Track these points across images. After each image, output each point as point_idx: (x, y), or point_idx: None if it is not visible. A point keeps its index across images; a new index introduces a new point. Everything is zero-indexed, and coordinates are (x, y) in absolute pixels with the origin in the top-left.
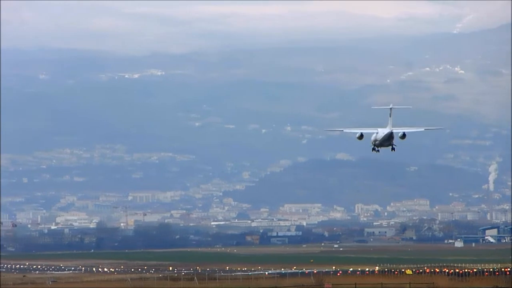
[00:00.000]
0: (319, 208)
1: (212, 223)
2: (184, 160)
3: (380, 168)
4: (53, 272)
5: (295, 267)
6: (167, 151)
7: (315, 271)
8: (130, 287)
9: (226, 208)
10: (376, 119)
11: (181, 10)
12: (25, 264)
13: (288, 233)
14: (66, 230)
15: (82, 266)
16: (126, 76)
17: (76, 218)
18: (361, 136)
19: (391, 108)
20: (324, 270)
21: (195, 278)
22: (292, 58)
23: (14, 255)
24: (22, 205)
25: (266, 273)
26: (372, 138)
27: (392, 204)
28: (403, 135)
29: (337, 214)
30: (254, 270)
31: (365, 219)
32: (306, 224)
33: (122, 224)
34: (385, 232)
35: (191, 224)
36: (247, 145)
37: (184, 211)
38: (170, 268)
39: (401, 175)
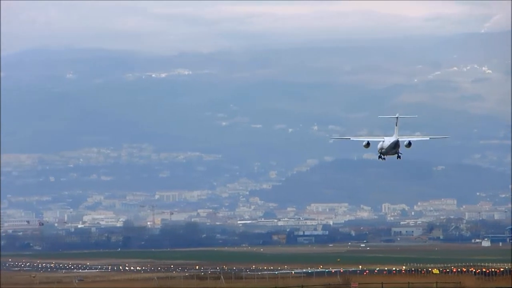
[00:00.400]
0: (346, 208)
1: (239, 222)
2: (211, 160)
3: (407, 167)
4: (80, 271)
5: (321, 267)
6: (194, 151)
7: (341, 271)
8: (157, 286)
9: (252, 207)
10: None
11: (208, 10)
12: (52, 263)
13: (315, 233)
14: (93, 229)
15: (108, 265)
16: (154, 75)
17: (103, 217)
18: (368, 145)
19: (397, 117)
20: (350, 270)
21: (222, 277)
22: (319, 57)
23: (41, 254)
24: (49, 204)
25: (293, 272)
26: (379, 146)
27: (419, 203)
28: (409, 144)
29: (364, 213)
30: (281, 270)
31: (392, 218)
32: (333, 223)
33: (149, 223)
34: (412, 231)
35: (218, 223)
36: (274, 144)
37: (211, 210)
38: (197, 267)
39: (428, 175)
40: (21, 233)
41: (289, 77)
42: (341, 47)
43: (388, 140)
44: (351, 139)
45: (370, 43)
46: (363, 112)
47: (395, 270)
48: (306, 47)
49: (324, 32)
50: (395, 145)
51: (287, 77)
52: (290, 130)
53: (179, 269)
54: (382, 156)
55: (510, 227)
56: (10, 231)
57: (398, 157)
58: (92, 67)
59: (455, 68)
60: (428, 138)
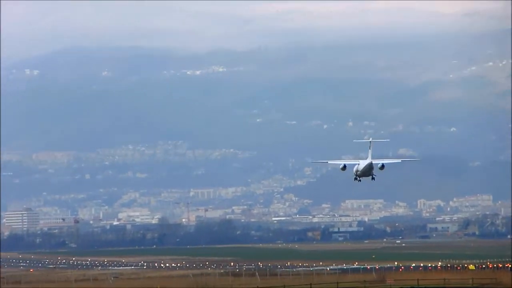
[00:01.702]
0: (381, 204)
1: (273, 219)
2: (246, 156)
3: (442, 163)
4: (115, 268)
5: (356, 263)
6: (228, 148)
7: (377, 267)
8: (192, 283)
9: (287, 204)
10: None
11: (243, 8)
12: (87, 261)
13: (350, 229)
14: (129, 226)
15: (144, 262)
16: (189, 73)
17: (139, 214)
18: (344, 167)
19: (370, 141)
20: (386, 266)
21: (257, 274)
22: (354, 54)
23: (76, 251)
24: (84, 202)
25: (328, 269)
26: (354, 169)
27: (454, 199)
28: (382, 166)
29: (399, 209)
30: (316, 266)
31: (427, 214)
32: (368, 219)
33: (184, 220)
34: (448, 227)
35: (253, 220)
36: (309, 141)
37: (246, 207)
38: (232, 264)
39: (464, 171)
40: (56, 230)
41: (324, 73)
42: (376, 43)
43: (363, 163)
44: (328, 162)
45: (405, 39)
46: (398, 108)
47: (431, 266)
48: (341, 43)
49: (358, 29)
50: (369, 167)
51: (321, 74)
52: (325, 126)
53: (214, 266)
54: (358, 178)
55: None
56: (46, 228)
57: (373, 178)
58: (127, 65)
59: (490, 63)
60: (400, 161)
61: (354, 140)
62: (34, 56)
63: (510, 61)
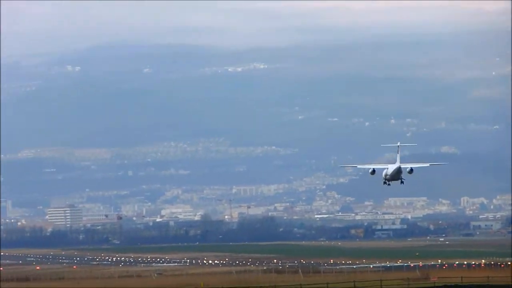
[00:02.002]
0: (424, 202)
1: (316, 216)
2: (288, 154)
3: (485, 161)
4: (159, 265)
5: (400, 261)
6: (270, 145)
7: (420, 265)
8: (235, 279)
9: (329, 201)
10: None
11: (284, 4)
12: (130, 257)
13: (393, 227)
14: (171, 223)
15: (187, 259)
16: (230, 69)
17: (181, 211)
18: (373, 172)
19: (398, 146)
20: (429, 264)
21: (300, 271)
22: (395, 51)
23: (119, 248)
24: (127, 198)
25: (371, 266)
26: (383, 173)
27: (498, 197)
28: (411, 170)
29: (443, 207)
30: (359, 264)
31: (471, 212)
32: (411, 217)
33: (226, 217)
34: (492, 225)
35: (295, 217)
36: (351, 138)
37: (288, 204)
38: (275, 261)
39: (507, 168)
40: (99, 227)
41: (365, 70)
42: (417, 41)
43: (391, 168)
44: (357, 167)
45: (446, 37)
46: (440, 105)
47: (474, 264)
48: (384, 40)
49: (399, 26)
50: (398, 172)
51: (363, 71)
52: (367, 123)
53: (257, 263)
54: (387, 182)
55: None
56: (89, 225)
57: (401, 182)
58: (169, 62)
59: None
60: (428, 165)
61: (382, 145)
62: (75, 52)
63: None
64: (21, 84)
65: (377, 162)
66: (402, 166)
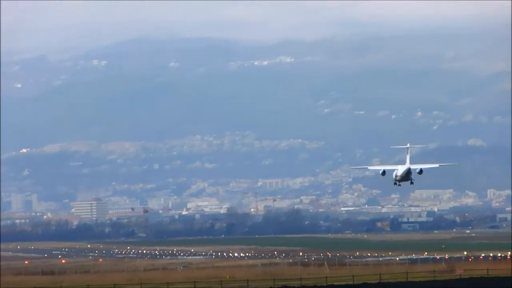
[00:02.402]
0: (450, 194)
1: (342, 209)
2: (314, 147)
3: None
4: (184, 257)
5: (426, 253)
6: (296, 138)
7: (446, 257)
8: (261, 272)
9: (355, 194)
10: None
11: None
12: (156, 250)
13: (419, 219)
14: (197, 216)
15: (212, 252)
16: (256, 63)
17: (207, 204)
18: (384, 173)
19: (408, 148)
20: (455, 256)
21: (326, 263)
22: (423, 44)
23: (145, 241)
24: (153, 192)
25: (397, 259)
26: (394, 174)
27: None
28: (420, 171)
29: (469, 199)
30: (385, 256)
31: (497, 204)
32: (438, 210)
33: (252, 210)
34: None
35: (321, 210)
36: (377, 131)
37: (314, 197)
38: (301, 254)
39: None
40: (126, 220)
41: (392, 63)
42: (445, 34)
43: (401, 169)
44: (368, 168)
45: (473, 30)
46: (468, 98)
47: (500, 256)
48: (410, 33)
49: (427, 19)
50: (408, 172)
51: (389, 64)
52: (393, 116)
53: (282, 256)
54: (398, 183)
55: None
56: (115, 218)
57: (411, 183)
58: (195, 56)
59: None
60: (438, 165)
61: (392, 146)
62: (101, 47)
63: None
64: (47, 78)
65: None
66: (412, 167)
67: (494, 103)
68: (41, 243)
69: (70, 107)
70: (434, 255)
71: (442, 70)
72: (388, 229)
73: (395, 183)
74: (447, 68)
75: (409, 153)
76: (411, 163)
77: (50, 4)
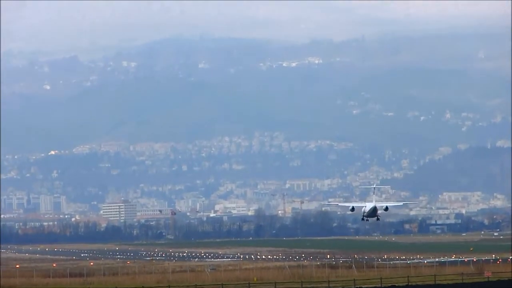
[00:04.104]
0: (479, 196)
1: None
2: (342, 148)
3: None
4: (212, 260)
5: (454, 256)
6: (325, 139)
7: (474, 260)
8: (289, 274)
9: (384, 196)
10: None
11: None
12: (184, 252)
13: (448, 221)
14: (225, 218)
15: (240, 254)
16: (284, 64)
17: (235, 206)
18: (353, 209)
19: (374, 188)
20: (484, 259)
21: (354, 266)
22: (453, 44)
23: (173, 243)
24: (181, 193)
25: (425, 261)
26: (362, 210)
27: None
28: (386, 208)
29: (498, 202)
30: (413, 259)
31: None
32: (466, 212)
33: (280, 212)
34: None
35: (349, 212)
36: (406, 132)
37: (342, 199)
38: (328, 256)
39: None
40: (154, 222)
41: (422, 64)
42: (475, 34)
43: (368, 206)
44: (339, 204)
45: (505, 30)
46: (497, 99)
47: None
48: (439, 33)
49: (458, 19)
50: (374, 210)
51: (419, 64)
52: (422, 118)
53: (310, 258)
54: (365, 219)
55: None
56: (143, 220)
57: (377, 219)
58: (224, 56)
59: None
60: (402, 204)
61: (359, 186)
62: (131, 47)
63: None
64: (77, 79)
65: (433, 154)
66: (378, 205)
67: None
68: (69, 245)
69: (100, 108)
70: (462, 257)
71: (472, 71)
72: (416, 231)
73: (362, 219)
74: (477, 68)
75: (374, 193)
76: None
77: (80, 4)
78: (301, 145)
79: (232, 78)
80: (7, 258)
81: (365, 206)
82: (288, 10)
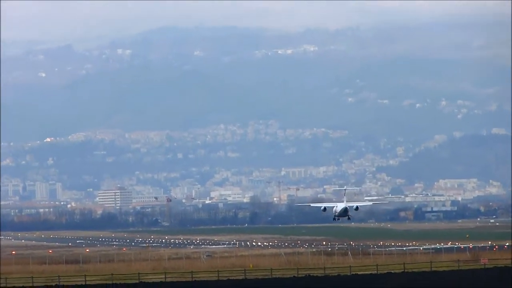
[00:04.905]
0: (475, 183)
1: (366, 198)
2: (337, 136)
3: None
4: (208, 246)
5: (450, 243)
6: (320, 127)
7: (470, 247)
8: (284, 261)
9: (379, 183)
10: None
11: None
12: (180, 239)
13: (443, 209)
14: (221, 205)
15: (236, 241)
16: (280, 52)
17: (230, 193)
18: (325, 209)
19: (345, 190)
20: (480, 246)
21: (349, 253)
22: (448, 33)
23: (169, 230)
24: (177, 181)
25: (421, 248)
26: (333, 210)
27: None
28: (356, 208)
29: (493, 189)
30: (409, 246)
31: None
32: (462, 199)
33: (275, 199)
34: None
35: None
36: (401, 120)
37: (337, 186)
38: (324, 243)
39: None
40: (149, 209)
41: (417, 52)
42: (470, 22)
43: (339, 206)
44: (310, 205)
45: (500, 18)
46: (493, 87)
47: None
48: (434, 22)
49: (452, 7)
50: (345, 210)
51: (414, 53)
52: (417, 105)
53: (306, 245)
54: (336, 218)
55: None
56: (139, 207)
57: (348, 218)
58: (220, 45)
59: None
60: (372, 203)
61: (333, 188)
62: (126, 36)
63: None
64: (72, 67)
65: (428, 142)
66: (349, 205)
67: None
68: (65, 232)
69: (95, 96)
70: (458, 244)
71: (467, 59)
72: (412, 218)
73: (334, 218)
74: (472, 56)
75: (346, 195)
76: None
77: None
78: (296, 133)
79: (227, 66)
80: (3, 245)
81: (336, 207)
82: None
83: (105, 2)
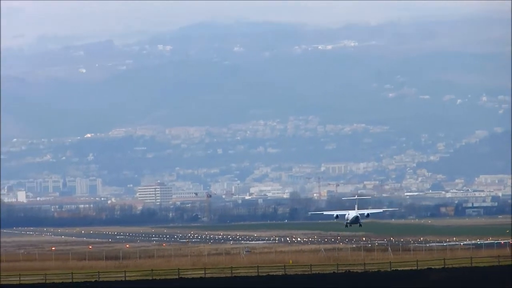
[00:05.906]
0: None
1: (406, 194)
2: (378, 131)
3: None
4: (247, 242)
5: (490, 238)
6: (360, 122)
7: (511, 242)
8: (324, 257)
9: (419, 179)
10: None
11: None
12: (219, 235)
13: (484, 204)
14: (260, 201)
15: (275, 237)
16: (320, 47)
17: (270, 189)
18: (337, 217)
19: (356, 198)
20: None
21: (389, 249)
22: (489, 28)
23: (208, 226)
24: (217, 176)
25: (461, 244)
26: (345, 218)
27: None
28: (367, 215)
29: None
30: (449, 242)
31: None
32: (502, 195)
33: (315, 195)
34: None
35: (384, 195)
36: (442, 116)
37: (377, 182)
38: (364, 239)
39: None
40: (189, 205)
41: (457, 47)
42: (510, 16)
43: (351, 214)
44: (323, 213)
45: None
46: None
47: None
48: (475, 16)
49: (493, 2)
50: (356, 218)
51: (455, 48)
52: (458, 101)
53: (346, 241)
54: (349, 225)
55: None
56: (179, 203)
57: (360, 225)
58: (259, 40)
59: None
60: (382, 210)
61: (343, 198)
62: (167, 31)
63: None
64: (113, 63)
65: (469, 137)
66: (360, 212)
67: None
68: (105, 228)
69: (135, 92)
70: (498, 240)
71: (508, 53)
72: (452, 214)
73: (346, 225)
74: None
75: (357, 204)
76: None
77: None
78: (336, 129)
79: (266, 61)
80: (43, 241)
81: (348, 214)
82: None
83: None
